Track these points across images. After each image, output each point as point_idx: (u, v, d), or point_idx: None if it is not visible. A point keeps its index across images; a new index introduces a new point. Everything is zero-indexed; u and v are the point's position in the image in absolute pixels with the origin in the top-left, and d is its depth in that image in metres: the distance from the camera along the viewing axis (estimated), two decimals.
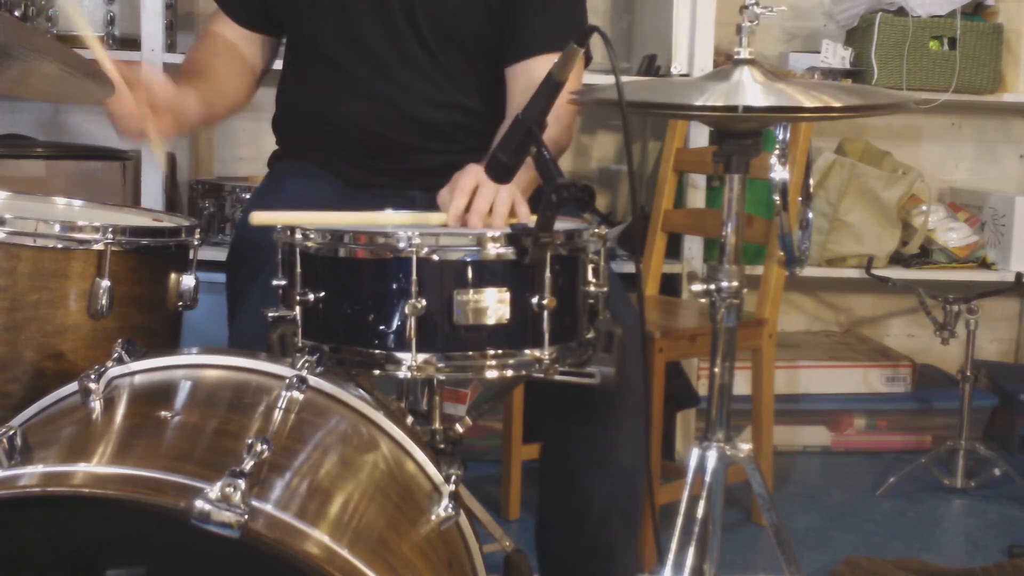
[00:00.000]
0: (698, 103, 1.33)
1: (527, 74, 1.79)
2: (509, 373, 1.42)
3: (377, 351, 1.41)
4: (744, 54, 1.42)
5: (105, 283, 1.46)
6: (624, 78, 1.34)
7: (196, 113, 1.76)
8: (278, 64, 2.06)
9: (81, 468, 1.06)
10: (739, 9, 1.44)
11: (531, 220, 1.43)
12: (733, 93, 1.35)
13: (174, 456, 1.10)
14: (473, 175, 1.53)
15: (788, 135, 1.52)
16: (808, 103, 1.32)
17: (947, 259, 3.22)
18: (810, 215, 1.71)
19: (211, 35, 1.97)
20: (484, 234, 1.40)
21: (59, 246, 1.44)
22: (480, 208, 1.51)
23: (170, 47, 2.84)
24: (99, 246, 1.46)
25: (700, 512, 1.47)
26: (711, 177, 2.94)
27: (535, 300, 1.41)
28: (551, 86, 1.42)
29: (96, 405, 1.19)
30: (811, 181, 3.00)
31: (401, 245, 1.38)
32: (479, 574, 1.34)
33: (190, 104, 1.74)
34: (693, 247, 2.94)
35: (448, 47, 1.87)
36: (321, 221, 1.50)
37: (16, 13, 2.71)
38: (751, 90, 1.36)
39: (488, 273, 1.40)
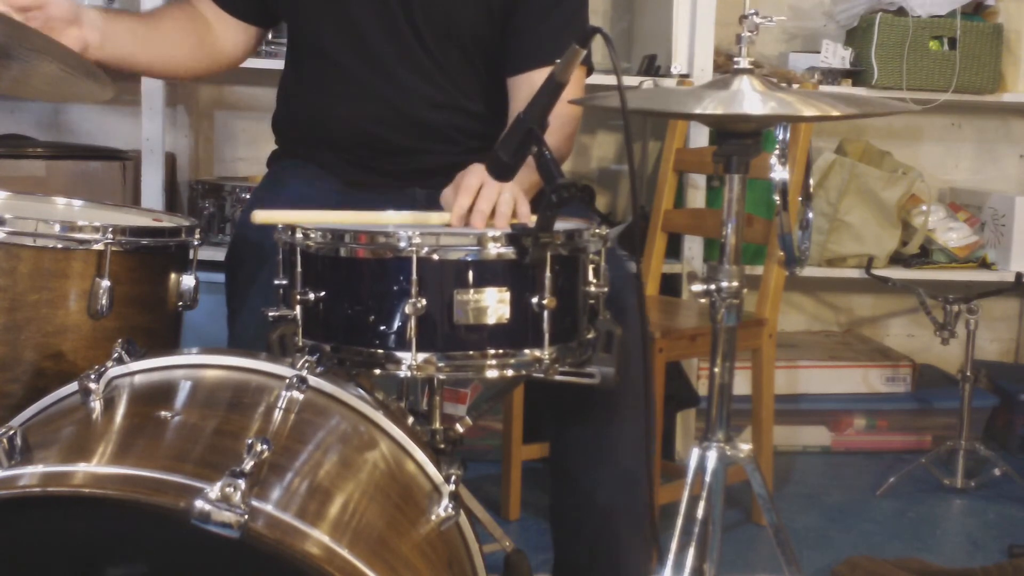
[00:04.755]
0: (697, 111, 1.34)
1: (530, 85, 1.78)
2: (509, 373, 1.43)
3: (377, 350, 1.41)
4: (743, 63, 1.42)
5: (105, 283, 1.46)
6: (624, 78, 1.34)
7: (102, 38, 1.71)
8: (276, 64, 2.06)
9: (81, 468, 1.06)
10: (739, 19, 1.45)
11: (532, 220, 1.43)
12: (732, 102, 1.36)
13: (174, 456, 1.10)
14: (477, 174, 1.54)
15: (788, 135, 1.52)
16: (807, 112, 1.33)
17: (947, 259, 3.22)
18: (810, 215, 1.71)
19: (186, 4, 1.95)
20: (485, 234, 1.40)
21: (59, 246, 1.44)
22: (483, 208, 1.51)
23: None
24: (99, 246, 1.46)
25: (700, 512, 1.47)
26: (711, 177, 2.94)
27: (535, 300, 1.41)
28: (552, 87, 1.43)
29: (96, 405, 1.19)
30: (811, 181, 3.00)
31: (401, 245, 1.38)
32: (479, 574, 1.34)
33: (94, 24, 1.70)
34: (693, 247, 2.94)
35: (447, 47, 1.87)
36: (322, 221, 1.50)
37: None
38: (750, 98, 1.36)
39: (488, 273, 1.40)
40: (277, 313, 1.46)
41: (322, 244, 1.42)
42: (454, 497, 1.25)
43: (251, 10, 1.95)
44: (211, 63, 1.98)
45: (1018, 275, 3.13)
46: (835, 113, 1.37)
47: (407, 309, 1.37)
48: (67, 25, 1.65)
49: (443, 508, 1.24)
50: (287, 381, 1.25)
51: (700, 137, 2.85)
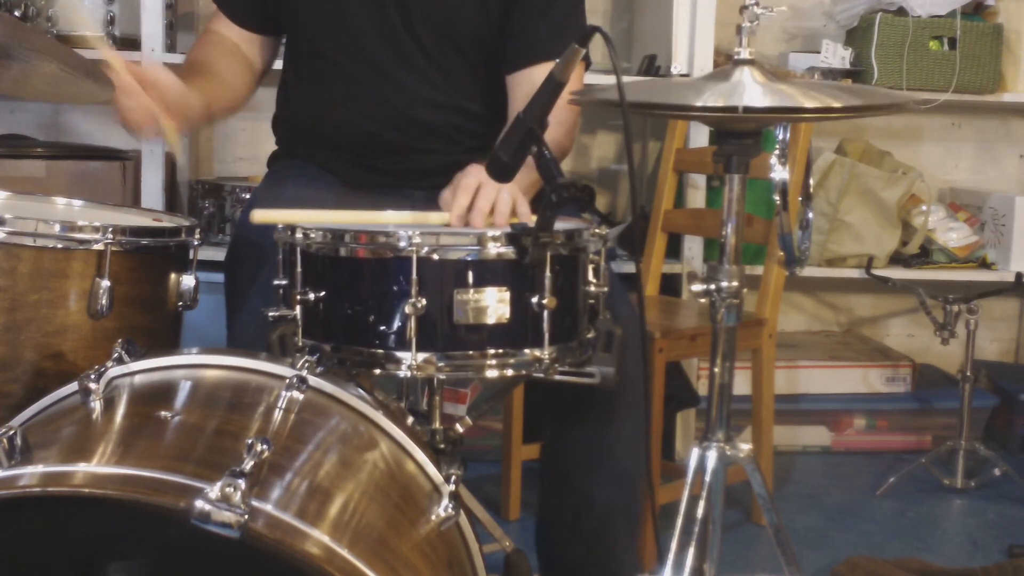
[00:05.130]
0: (698, 104, 1.33)
1: (529, 82, 1.79)
2: (509, 373, 1.43)
3: (377, 350, 1.41)
4: (744, 54, 1.42)
5: (105, 283, 1.46)
6: (624, 78, 1.34)
7: (198, 112, 1.77)
8: (277, 64, 2.06)
9: (81, 468, 1.06)
10: (739, 9, 1.44)
11: (532, 220, 1.43)
12: (733, 93, 1.35)
13: (174, 456, 1.10)
14: (475, 175, 1.54)
15: (788, 135, 1.52)
16: (808, 104, 1.32)
17: (947, 259, 3.22)
18: (810, 215, 1.71)
19: (213, 33, 1.97)
20: (484, 234, 1.40)
21: (59, 246, 1.45)
22: (482, 207, 1.51)
23: (170, 47, 2.84)
24: (99, 246, 1.46)
25: (700, 512, 1.47)
26: (711, 177, 2.94)
27: (535, 300, 1.41)
28: (552, 86, 1.43)
29: (96, 405, 1.19)
30: (811, 181, 3.00)
31: (401, 244, 1.38)
32: (479, 574, 1.34)
33: (194, 102, 1.75)
34: (693, 247, 2.94)
35: (445, 47, 1.87)
36: (321, 220, 1.50)
37: (16, 13, 2.71)
38: (751, 90, 1.36)
39: (488, 273, 1.40)
40: (277, 313, 1.46)
41: (322, 244, 1.42)
42: (454, 497, 1.25)
43: (256, 19, 1.96)
44: (255, 83, 1.99)
45: (1018, 275, 3.13)
46: (836, 105, 1.35)
47: (407, 309, 1.37)
48: (175, 110, 1.67)
49: (443, 508, 1.24)
50: (287, 381, 1.25)
51: (700, 137, 2.85)
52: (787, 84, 1.39)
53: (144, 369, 1.28)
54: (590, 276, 1.49)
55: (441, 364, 1.40)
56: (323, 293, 1.43)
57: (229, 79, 1.90)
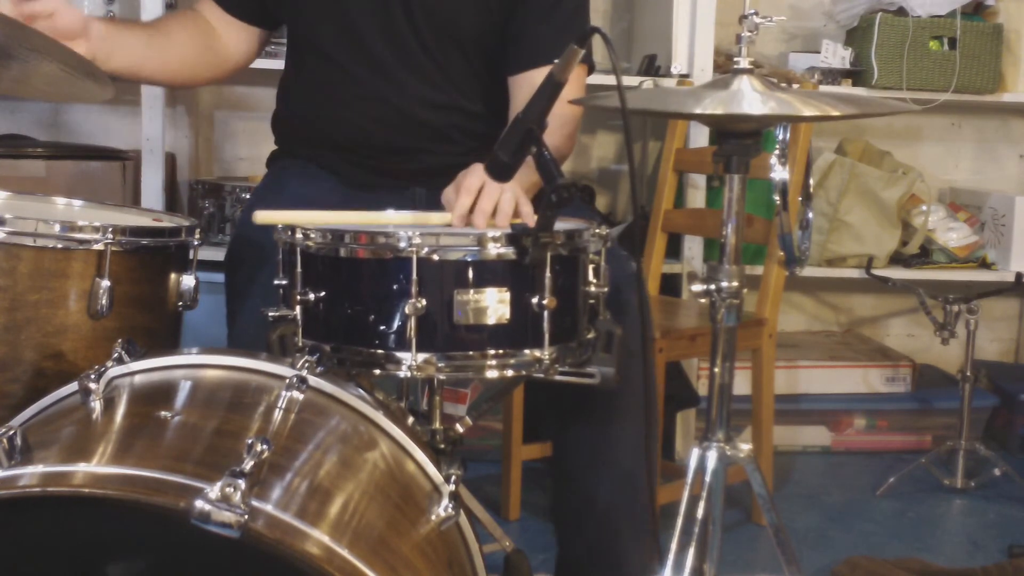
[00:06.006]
0: (697, 111, 1.34)
1: (530, 84, 1.78)
2: (509, 373, 1.43)
3: (377, 351, 1.41)
4: (743, 64, 1.42)
5: (105, 283, 1.46)
6: (624, 78, 1.34)
7: (120, 52, 1.73)
8: (276, 64, 2.06)
9: (81, 468, 1.06)
10: (739, 19, 1.45)
11: (533, 220, 1.43)
12: (732, 102, 1.36)
13: (174, 456, 1.10)
14: (478, 175, 1.54)
15: (788, 135, 1.53)
16: (807, 112, 1.33)
17: (947, 259, 3.22)
18: (810, 215, 1.72)
19: (190, 11, 1.96)
20: (485, 234, 1.41)
21: (59, 246, 1.44)
22: (485, 208, 1.51)
23: None
24: (99, 246, 1.46)
25: (700, 512, 1.47)
26: (711, 177, 2.94)
27: (535, 300, 1.41)
28: (551, 86, 1.43)
29: (96, 405, 1.19)
30: (811, 181, 3.00)
31: (401, 245, 1.38)
32: (479, 574, 1.34)
33: (112, 38, 1.71)
34: (693, 247, 2.94)
35: (447, 48, 1.87)
36: (323, 221, 1.50)
37: None
38: (750, 99, 1.36)
39: (488, 273, 1.40)
40: (277, 313, 1.46)
41: (322, 244, 1.43)
42: (454, 497, 1.25)
43: (252, 11, 1.96)
44: (218, 69, 1.98)
45: (1018, 275, 3.13)
46: (835, 113, 1.37)
47: (407, 309, 1.37)
48: (74, 36, 1.65)
49: (443, 508, 1.24)
50: (287, 381, 1.25)
51: (700, 137, 2.85)
52: (785, 92, 1.40)
53: (144, 369, 1.28)
54: (590, 276, 1.49)
55: (441, 364, 1.40)
56: (323, 293, 1.43)
57: (177, 46, 1.88)
